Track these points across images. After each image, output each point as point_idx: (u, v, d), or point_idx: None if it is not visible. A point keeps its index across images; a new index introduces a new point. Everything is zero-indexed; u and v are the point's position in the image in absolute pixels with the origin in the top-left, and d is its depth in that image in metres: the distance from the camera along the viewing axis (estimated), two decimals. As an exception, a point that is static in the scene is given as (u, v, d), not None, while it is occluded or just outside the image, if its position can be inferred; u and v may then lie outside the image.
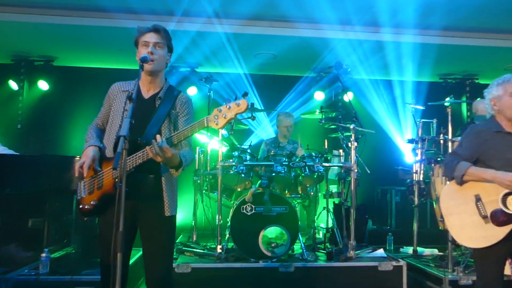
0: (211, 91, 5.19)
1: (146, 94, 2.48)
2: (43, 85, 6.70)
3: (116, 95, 2.51)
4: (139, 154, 2.23)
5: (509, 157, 2.56)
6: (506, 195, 2.51)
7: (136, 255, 4.41)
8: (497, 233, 2.47)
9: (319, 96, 7.19)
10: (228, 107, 2.17)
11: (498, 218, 2.49)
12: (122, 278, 1.92)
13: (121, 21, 5.13)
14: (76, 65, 6.94)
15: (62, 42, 5.99)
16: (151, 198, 2.35)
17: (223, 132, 4.60)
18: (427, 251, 4.89)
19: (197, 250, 4.46)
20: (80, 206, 2.37)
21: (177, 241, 5.30)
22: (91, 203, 2.33)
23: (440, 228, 4.61)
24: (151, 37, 2.41)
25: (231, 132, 4.60)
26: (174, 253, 4.38)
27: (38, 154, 6.11)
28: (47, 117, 6.76)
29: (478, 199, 2.57)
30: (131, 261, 4.19)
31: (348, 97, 5.11)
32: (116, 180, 2.21)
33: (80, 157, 2.38)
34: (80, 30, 5.48)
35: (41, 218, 4.42)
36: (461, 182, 2.60)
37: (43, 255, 3.74)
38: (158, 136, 2.17)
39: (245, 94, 2.17)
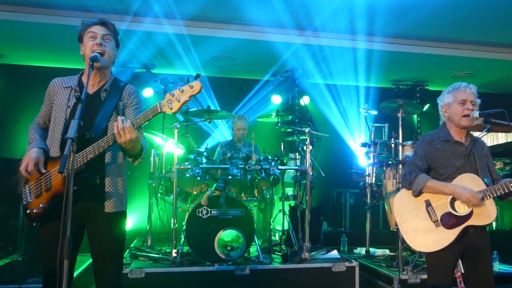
0: (166, 93, 5.11)
1: (91, 89, 2.40)
2: (-13, 83, 6.35)
3: (57, 91, 2.41)
4: (89, 149, 2.15)
5: (458, 165, 2.68)
6: (454, 199, 2.62)
7: (86, 262, 4.26)
8: (448, 236, 2.57)
9: (276, 99, 7.27)
10: (181, 90, 2.12)
11: (448, 221, 2.60)
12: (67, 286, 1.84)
13: (73, 19, 4.95)
14: (24, 63, 6.64)
15: (9, 39, 5.70)
16: (98, 196, 2.27)
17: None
18: (379, 252, 5.04)
19: (152, 255, 4.37)
20: (28, 211, 2.25)
21: (131, 245, 5.18)
22: (40, 206, 2.22)
23: (391, 229, 4.77)
24: (98, 29, 2.34)
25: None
26: (128, 258, 4.28)
27: (-19, 157, 5.81)
28: (-9, 118, 6.42)
29: (428, 204, 2.67)
30: (81, 268, 4.09)
31: (304, 101, 5.17)
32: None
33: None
34: (28, 27, 5.25)
35: (-16, 224, 4.21)
36: (418, 195, 2.69)
37: (-15, 263, 3.55)
38: (120, 117, 2.11)
39: (197, 76, 2.15)
